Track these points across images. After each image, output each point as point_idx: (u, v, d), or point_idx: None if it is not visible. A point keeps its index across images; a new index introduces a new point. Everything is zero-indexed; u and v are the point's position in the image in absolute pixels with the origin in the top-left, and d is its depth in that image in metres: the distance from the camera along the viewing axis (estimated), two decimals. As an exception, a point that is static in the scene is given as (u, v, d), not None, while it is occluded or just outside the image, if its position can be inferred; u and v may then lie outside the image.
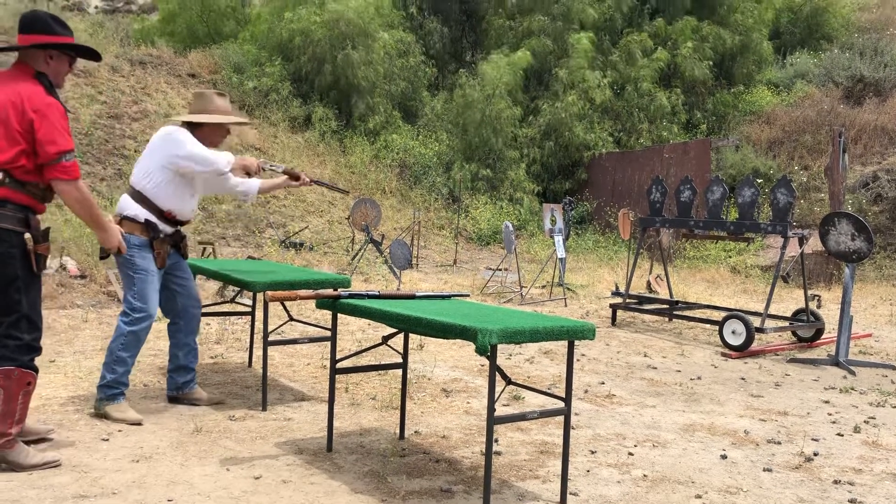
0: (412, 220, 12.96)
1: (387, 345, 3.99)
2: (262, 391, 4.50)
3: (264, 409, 4.44)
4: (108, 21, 19.67)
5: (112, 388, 4.07)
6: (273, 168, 4.67)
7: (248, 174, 4.40)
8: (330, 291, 3.68)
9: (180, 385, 4.48)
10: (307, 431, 4.10)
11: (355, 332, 6.97)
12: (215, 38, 17.63)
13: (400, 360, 4.10)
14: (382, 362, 4.79)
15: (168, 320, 4.49)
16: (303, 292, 3.58)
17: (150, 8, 21.05)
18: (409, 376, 5.27)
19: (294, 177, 4.66)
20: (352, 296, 3.66)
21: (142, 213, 4.11)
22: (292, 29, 15.74)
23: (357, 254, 11.03)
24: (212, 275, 4.82)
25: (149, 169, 4.16)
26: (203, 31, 17.89)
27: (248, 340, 5.77)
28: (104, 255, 4.16)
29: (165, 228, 4.21)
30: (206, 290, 8.13)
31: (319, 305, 3.75)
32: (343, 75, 15.54)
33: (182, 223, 4.35)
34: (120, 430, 3.93)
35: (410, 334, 4.31)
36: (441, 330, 3.10)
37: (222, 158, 4.17)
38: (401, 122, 16.92)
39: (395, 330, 3.72)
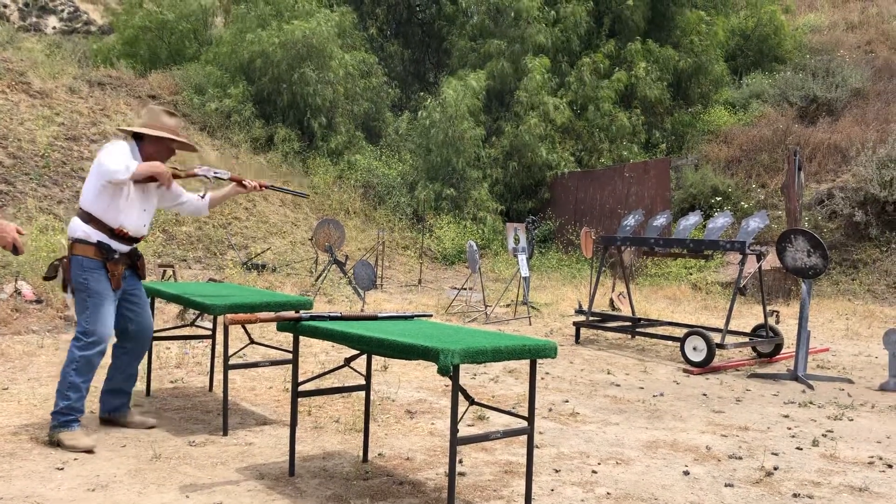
0: (376, 240, 12.94)
1: (349, 367, 3.96)
2: (222, 416, 4.43)
3: (225, 433, 4.37)
4: (66, 42, 19.43)
5: (65, 414, 3.99)
6: (218, 176, 4.59)
7: (159, 182, 4.20)
8: (291, 314, 3.65)
9: (115, 407, 4.41)
10: (269, 456, 4.04)
11: (318, 354, 6.91)
12: (177, 59, 17.52)
13: (363, 381, 4.07)
14: (346, 384, 4.75)
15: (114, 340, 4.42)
16: (263, 315, 3.54)
17: (110, 29, 20.85)
18: (373, 398, 5.23)
19: (240, 182, 4.59)
20: (313, 318, 3.63)
21: (93, 234, 4.05)
22: (253, 50, 15.71)
23: (320, 275, 10.97)
24: (172, 298, 4.75)
25: (92, 187, 4.07)
26: (165, 53, 17.76)
27: (209, 364, 5.69)
28: (50, 275, 4.14)
29: (120, 247, 4.14)
30: (167, 313, 8.01)
31: (280, 328, 3.72)
32: (300, 94, 15.54)
33: (136, 240, 4.26)
34: (76, 459, 3.83)
35: (374, 356, 4.28)
36: (403, 351, 3.09)
37: (120, 165, 3.94)
38: (364, 143, 16.93)
39: (357, 352, 3.70)
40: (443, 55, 20.29)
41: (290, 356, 5.10)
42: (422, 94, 17.58)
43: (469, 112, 16.05)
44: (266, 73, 15.74)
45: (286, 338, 7.08)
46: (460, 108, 15.75)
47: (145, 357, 5.27)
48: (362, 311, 9.34)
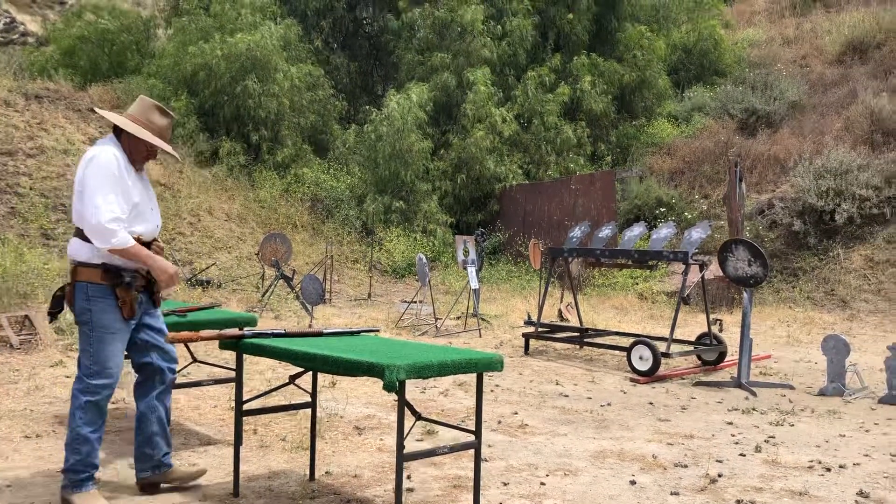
0: (324, 254, 12.84)
1: (294, 384, 3.91)
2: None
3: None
4: (1, 53, 18.90)
5: (78, 472, 3.45)
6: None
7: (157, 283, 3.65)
8: (234, 331, 3.58)
9: (158, 462, 3.75)
10: (213, 476, 3.95)
11: (265, 371, 6.80)
12: (118, 72, 17.18)
13: (310, 399, 4.02)
14: (293, 402, 4.68)
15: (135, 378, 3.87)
16: (205, 333, 3.47)
17: (47, 40, 20.35)
18: (321, 414, 5.16)
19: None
20: (256, 335, 3.57)
21: (97, 255, 3.47)
22: (196, 63, 15.50)
23: (267, 290, 10.83)
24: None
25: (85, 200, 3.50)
26: (105, 65, 17.40)
27: (152, 384, 5.54)
28: (55, 310, 3.59)
29: (129, 264, 3.52)
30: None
31: (223, 346, 3.65)
32: (243, 106, 15.38)
33: (149, 245, 3.64)
34: None
35: (320, 373, 4.23)
36: (348, 367, 3.05)
37: (111, 235, 3.37)
38: (312, 156, 16.82)
39: (302, 369, 3.65)
40: (390, 68, 20.31)
41: (234, 374, 5.02)
42: (368, 107, 17.54)
43: (416, 125, 16.08)
44: (209, 86, 15.54)
45: (231, 355, 6.95)
46: (407, 122, 15.76)
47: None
48: (310, 326, 9.24)
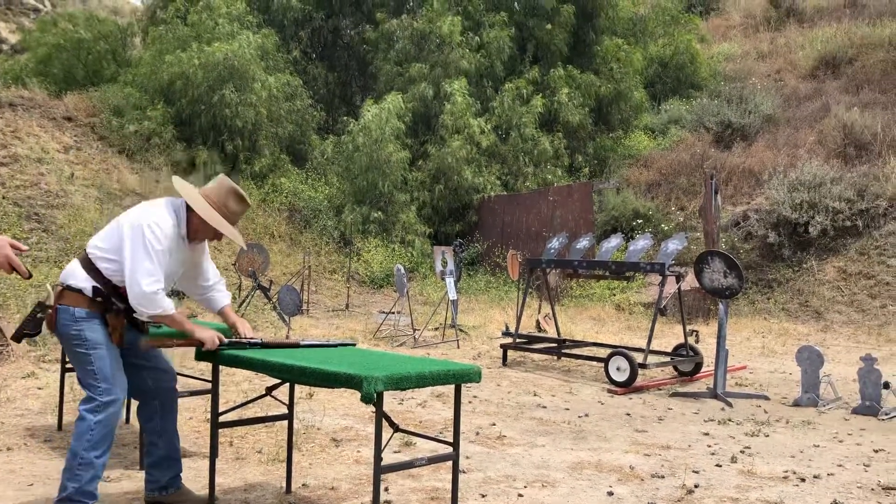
0: (302, 264, 12.78)
1: (271, 396, 3.88)
2: (139, 449, 4.26)
3: (142, 468, 4.20)
4: (-25, 61, 18.68)
5: (75, 501, 3.27)
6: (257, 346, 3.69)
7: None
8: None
9: (165, 484, 3.63)
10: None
11: (241, 382, 6.75)
12: (94, 80, 17.03)
13: (286, 411, 3.99)
14: (269, 413, 4.64)
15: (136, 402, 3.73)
16: (180, 341, 3.45)
17: (22, 48, 20.15)
18: (297, 426, 5.12)
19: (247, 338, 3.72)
20: (232, 344, 3.54)
21: (90, 284, 3.37)
22: (173, 72, 15.41)
23: (244, 301, 10.75)
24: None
25: (110, 240, 3.40)
26: (81, 73, 17.24)
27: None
28: (31, 332, 3.41)
29: (118, 304, 3.44)
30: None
31: (199, 357, 3.61)
32: (220, 116, 15.30)
33: None
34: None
35: (297, 384, 4.20)
36: (326, 379, 3.04)
37: (156, 301, 3.33)
38: (289, 166, 16.75)
39: (279, 380, 3.62)
40: (369, 79, 20.31)
41: (210, 385, 4.97)
42: (346, 117, 17.52)
43: (394, 135, 16.08)
44: (186, 95, 15.46)
45: (207, 366, 6.90)
46: (385, 132, 15.76)
47: (57, 389, 5.06)
48: (287, 337, 9.18)
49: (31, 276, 3.33)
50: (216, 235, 3.59)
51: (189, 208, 3.51)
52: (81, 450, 3.25)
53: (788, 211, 13.34)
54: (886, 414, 6.11)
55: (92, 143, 14.41)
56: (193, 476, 4.11)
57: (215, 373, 3.72)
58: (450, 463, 3.32)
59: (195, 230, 3.53)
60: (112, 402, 3.31)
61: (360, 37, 19.85)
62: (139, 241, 3.32)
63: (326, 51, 20.64)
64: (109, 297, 3.39)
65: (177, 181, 3.57)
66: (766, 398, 6.82)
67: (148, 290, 3.29)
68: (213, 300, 3.80)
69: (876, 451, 5.06)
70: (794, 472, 4.51)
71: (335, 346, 3.80)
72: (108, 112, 15.30)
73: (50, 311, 3.39)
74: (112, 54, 17.81)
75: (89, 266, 3.39)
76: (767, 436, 5.46)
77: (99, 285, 3.37)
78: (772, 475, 4.46)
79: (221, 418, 3.72)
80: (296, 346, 3.68)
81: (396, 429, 3.40)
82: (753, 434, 5.49)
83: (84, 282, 3.37)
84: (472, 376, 3.23)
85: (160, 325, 4.34)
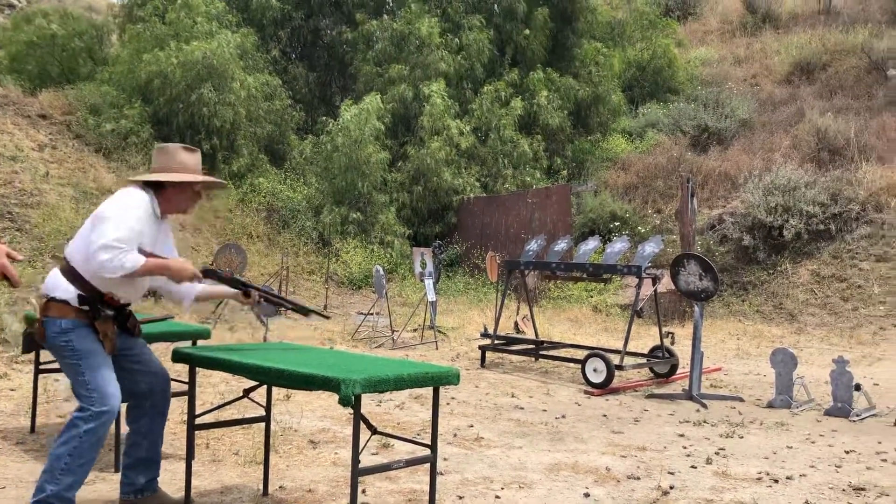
0: (280, 265, 12.72)
1: (248, 398, 3.86)
2: (114, 451, 4.23)
3: (117, 470, 4.18)
4: (-52, 57, 18.38)
5: None
6: (237, 285, 3.74)
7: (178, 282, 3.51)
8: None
9: (141, 487, 3.56)
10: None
11: (218, 384, 6.71)
12: (70, 77, 16.84)
13: (263, 412, 3.98)
14: (246, 415, 4.62)
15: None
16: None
17: (-3, 45, 19.86)
18: (275, 428, 5.10)
19: (245, 294, 3.73)
20: (237, 280, 3.65)
21: (74, 293, 3.28)
22: (150, 70, 15.28)
23: (221, 301, 10.69)
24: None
25: (87, 239, 3.25)
26: (56, 71, 17.04)
27: (101, 397, 5.43)
28: (28, 349, 3.37)
29: (105, 311, 3.36)
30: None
31: (175, 359, 3.60)
32: (198, 115, 15.20)
33: (127, 306, 3.53)
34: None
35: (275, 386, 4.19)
36: (303, 381, 3.03)
37: (121, 258, 3.15)
38: (268, 166, 16.67)
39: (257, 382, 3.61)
40: (348, 79, 20.27)
41: (186, 387, 4.94)
42: (325, 117, 17.47)
43: (373, 136, 16.06)
44: (164, 94, 15.33)
45: (184, 368, 6.86)
46: (364, 132, 15.74)
47: (30, 391, 5.01)
48: (265, 339, 9.14)
49: (20, 285, 3.26)
50: (192, 199, 3.58)
51: (155, 188, 3.47)
52: (66, 454, 3.16)
53: (763, 214, 13.50)
54: (858, 415, 6.21)
55: (67, 141, 14.25)
56: (169, 478, 4.08)
57: (192, 374, 3.70)
58: (427, 465, 3.33)
59: (168, 200, 3.49)
60: (105, 413, 3.21)
61: (340, 37, 19.80)
62: (108, 209, 3.27)
63: (306, 51, 20.57)
64: (95, 303, 3.30)
65: (135, 178, 3.57)
66: (741, 400, 6.90)
67: (104, 242, 3.13)
68: (183, 290, 3.69)
69: (847, 453, 5.14)
70: (768, 474, 4.57)
71: (311, 311, 3.99)
72: (85, 110, 15.14)
73: (37, 325, 3.32)
74: (88, 52, 17.62)
75: (70, 273, 3.31)
76: (742, 437, 5.53)
77: (83, 293, 3.29)
78: (746, 476, 4.52)
79: (198, 420, 3.70)
80: (277, 297, 3.81)
81: (374, 431, 3.41)
82: (728, 435, 5.55)
83: (67, 291, 3.28)
84: (451, 379, 3.25)
85: (158, 322, 4.30)
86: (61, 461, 3.16)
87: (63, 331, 3.24)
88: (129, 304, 3.53)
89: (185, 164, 3.55)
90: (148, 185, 3.48)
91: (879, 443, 5.42)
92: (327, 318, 4.55)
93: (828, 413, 6.35)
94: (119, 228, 3.19)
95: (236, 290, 3.73)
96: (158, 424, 3.59)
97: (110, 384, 3.26)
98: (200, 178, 3.58)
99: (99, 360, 3.27)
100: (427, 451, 3.28)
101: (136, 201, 3.35)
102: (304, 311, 4.02)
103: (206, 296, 3.80)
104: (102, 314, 3.31)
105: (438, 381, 3.21)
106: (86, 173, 13.53)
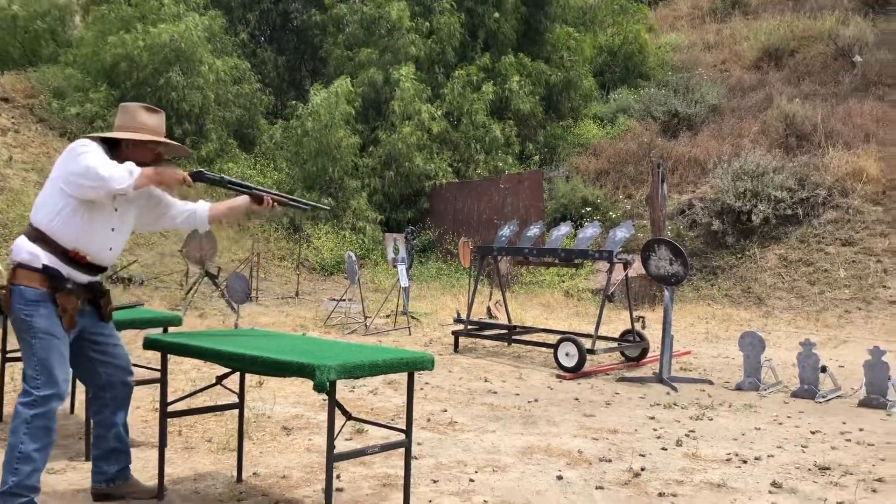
0: (251, 251, 12.63)
1: (222, 385, 3.84)
2: (84, 439, 4.19)
3: (88, 458, 4.13)
4: None
5: (16, 496, 3.13)
6: (232, 186, 3.68)
7: (170, 190, 3.52)
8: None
9: (113, 476, 3.54)
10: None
11: (189, 371, 6.66)
12: (32, 60, 16.49)
13: (237, 399, 3.96)
14: (219, 402, 4.59)
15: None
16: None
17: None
18: (248, 415, 5.08)
19: (257, 199, 3.69)
20: (235, 183, 3.62)
21: (40, 257, 3.19)
22: (116, 53, 15.01)
23: (191, 288, 10.59)
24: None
25: (47, 197, 3.25)
26: (18, 52, 16.68)
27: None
28: None
29: (75, 276, 3.28)
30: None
31: (147, 346, 3.56)
32: (166, 99, 14.98)
33: (99, 269, 3.42)
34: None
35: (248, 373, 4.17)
36: (277, 368, 3.02)
37: (120, 170, 3.17)
38: (237, 150, 16.50)
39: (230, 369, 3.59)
40: (319, 63, 20.09)
41: (158, 374, 4.89)
42: (295, 102, 17.30)
43: (344, 120, 15.95)
44: (131, 77, 15.09)
45: (155, 355, 6.79)
46: (334, 117, 15.63)
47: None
48: (236, 325, 9.08)
49: None
50: (156, 156, 3.48)
51: (112, 147, 3.38)
52: (19, 444, 3.13)
53: (732, 199, 13.65)
54: (823, 397, 6.33)
55: (31, 125, 13.99)
56: (142, 466, 4.05)
57: (164, 362, 3.66)
58: (401, 450, 3.33)
59: (125, 161, 3.33)
60: (50, 397, 3.17)
61: (310, 20, 19.60)
62: (73, 157, 3.20)
63: (275, 34, 20.34)
64: (60, 274, 3.22)
65: (91, 136, 3.43)
66: (710, 383, 7.00)
67: (112, 175, 3.14)
68: (196, 214, 3.72)
69: (813, 433, 5.24)
70: (737, 455, 4.65)
71: (309, 206, 3.94)
72: (48, 94, 14.86)
73: (3, 292, 3.28)
74: (51, 33, 17.27)
75: (34, 234, 3.24)
76: (711, 419, 5.61)
77: (51, 257, 3.21)
78: (715, 458, 4.59)
79: (170, 408, 3.67)
80: (291, 201, 3.76)
81: (349, 417, 3.41)
82: (698, 418, 5.63)
83: (32, 254, 3.20)
84: (425, 364, 3.25)
85: (132, 308, 4.22)
86: (15, 451, 3.14)
87: (27, 302, 3.17)
88: (103, 269, 3.45)
89: (145, 124, 3.45)
90: (105, 144, 3.37)
91: (844, 423, 5.54)
92: (326, 209, 4.70)
93: (795, 395, 6.46)
94: (97, 157, 3.18)
95: (246, 198, 3.67)
96: (121, 416, 3.55)
97: (59, 368, 3.20)
98: (156, 138, 3.46)
99: (55, 343, 3.20)
100: (402, 436, 3.29)
101: (94, 147, 3.27)
102: (311, 207, 4.05)
103: (219, 215, 3.76)
104: (66, 287, 3.24)
105: (413, 366, 3.21)
106: (50, 158, 13.29)
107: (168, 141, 3.55)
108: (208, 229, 3.84)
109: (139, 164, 3.32)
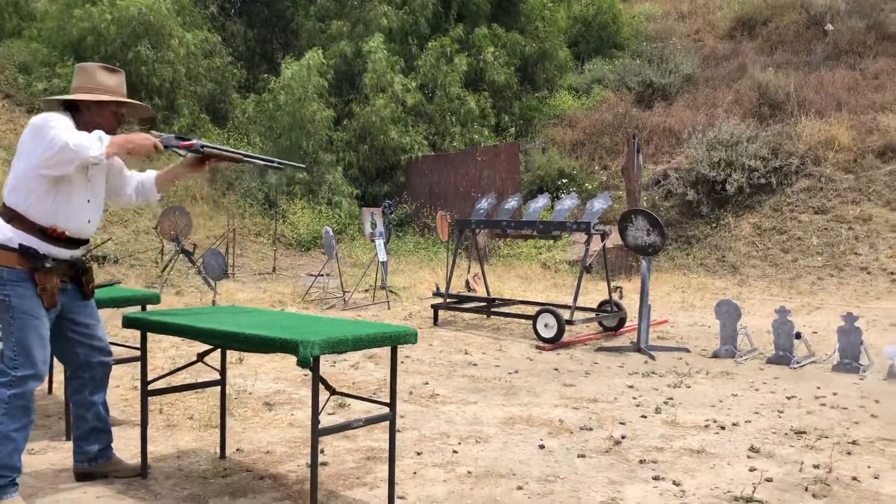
0: (226, 227, 12.52)
1: (203, 362, 3.82)
2: (65, 419, 4.15)
3: (68, 438, 4.10)
4: None
5: None
6: (174, 148, 3.49)
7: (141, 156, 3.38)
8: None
9: (95, 455, 3.53)
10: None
11: (168, 349, 6.62)
12: (-5, 34, 16.10)
13: (217, 376, 3.94)
14: (199, 380, 4.58)
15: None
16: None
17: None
18: (229, 391, 5.07)
19: (199, 160, 3.60)
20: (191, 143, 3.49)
21: (15, 237, 3.13)
22: (83, 27, 14.69)
23: (167, 266, 10.50)
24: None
25: (19, 176, 3.17)
26: (-20, 27, 16.27)
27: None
28: None
29: (54, 252, 3.22)
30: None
31: (126, 324, 3.53)
32: (136, 74, 14.70)
33: (80, 242, 3.38)
34: None
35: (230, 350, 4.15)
36: (260, 344, 3.01)
37: (90, 139, 3.07)
38: (210, 125, 16.28)
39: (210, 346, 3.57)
40: (290, 36, 19.81)
41: (138, 353, 4.86)
42: (266, 75, 17.07)
43: (317, 93, 15.78)
44: (98, 52, 14.77)
45: (134, 334, 6.73)
46: (307, 90, 15.45)
47: None
48: (214, 302, 9.03)
49: None
50: (118, 117, 3.41)
51: (73, 112, 3.30)
52: None
53: (707, 169, 13.75)
54: (798, 363, 6.44)
55: (-3, 101, 13.69)
56: (124, 445, 4.03)
57: (143, 340, 3.64)
58: (385, 423, 3.35)
59: (86, 125, 3.25)
60: (28, 378, 3.12)
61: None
62: (41, 134, 3.09)
63: (245, 6, 20.02)
64: (38, 252, 3.16)
65: (48, 99, 3.44)
66: (687, 351, 7.09)
67: (82, 143, 3.06)
68: (144, 184, 3.69)
69: (788, 398, 5.34)
70: (715, 421, 4.72)
71: (282, 165, 3.87)
72: (13, 68, 14.53)
73: None
74: (14, 6, 16.83)
75: (11, 215, 3.17)
76: (689, 387, 5.69)
77: (27, 236, 3.15)
78: (694, 424, 4.66)
79: (151, 386, 3.65)
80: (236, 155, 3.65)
81: (333, 391, 3.40)
82: (676, 385, 5.71)
83: (6, 235, 3.13)
84: (409, 338, 3.25)
85: (109, 286, 4.16)
86: None
87: (4, 282, 3.10)
88: (84, 242, 3.40)
89: (104, 84, 3.36)
90: (66, 109, 3.30)
91: (818, 388, 5.65)
92: (303, 167, 4.67)
93: (770, 361, 6.57)
94: (65, 131, 3.08)
95: (188, 158, 3.58)
96: (99, 396, 3.52)
97: (37, 349, 3.15)
98: (117, 97, 3.38)
99: (33, 323, 3.14)
100: (385, 410, 3.30)
101: (60, 120, 3.16)
102: (286, 167, 4.02)
103: (165, 181, 3.74)
104: (45, 265, 3.17)
105: (396, 340, 3.22)
106: (18, 135, 13.00)
107: (130, 101, 3.47)
108: (159, 198, 3.81)
109: (102, 128, 3.24)
